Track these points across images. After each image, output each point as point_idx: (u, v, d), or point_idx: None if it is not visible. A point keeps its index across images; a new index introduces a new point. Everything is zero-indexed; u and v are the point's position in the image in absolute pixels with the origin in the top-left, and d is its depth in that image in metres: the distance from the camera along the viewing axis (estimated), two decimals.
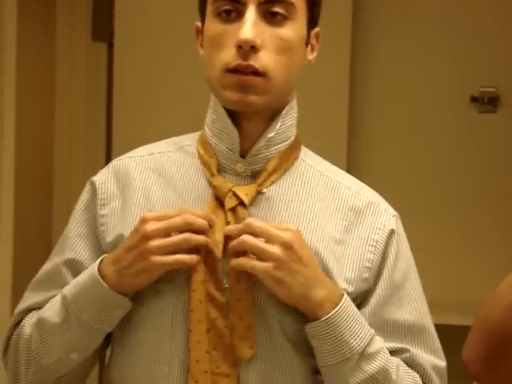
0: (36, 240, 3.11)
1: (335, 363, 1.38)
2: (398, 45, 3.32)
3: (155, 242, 1.36)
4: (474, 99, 3.27)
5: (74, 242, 1.51)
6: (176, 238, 1.37)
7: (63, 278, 1.49)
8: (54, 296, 1.47)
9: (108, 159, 3.21)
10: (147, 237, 1.36)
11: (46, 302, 1.49)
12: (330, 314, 1.36)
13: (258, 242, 1.35)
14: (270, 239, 1.35)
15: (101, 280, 1.39)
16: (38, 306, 1.50)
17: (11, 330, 1.53)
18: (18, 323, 1.53)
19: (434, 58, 3.29)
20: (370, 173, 3.19)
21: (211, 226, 1.38)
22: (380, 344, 1.42)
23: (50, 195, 3.38)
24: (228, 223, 1.41)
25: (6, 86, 2.66)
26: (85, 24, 3.38)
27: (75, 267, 1.49)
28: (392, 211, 1.52)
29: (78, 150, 3.36)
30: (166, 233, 1.37)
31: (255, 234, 1.36)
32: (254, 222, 1.37)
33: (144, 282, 1.40)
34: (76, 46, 3.38)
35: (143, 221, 1.38)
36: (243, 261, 1.36)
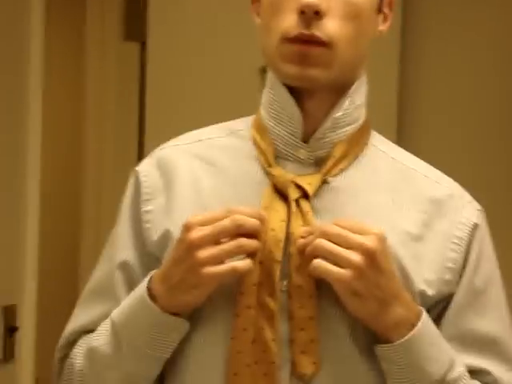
0: (62, 247, 3.04)
1: None
2: (450, 36, 3.21)
3: (204, 253, 1.18)
4: None
5: (123, 242, 1.34)
6: (227, 245, 1.19)
7: (117, 286, 1.33)
8: (110, 311, 1.31)
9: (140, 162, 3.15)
10: (194, 246, 1.19)
11: (100, 318, 1.33)
12: (405, 338, 1.20)
13: (337, 247, 1.18)
14: (350, 245, 1.18)
15: (150, 302, 1.23)
16: (91, 325, 1.34)
17: (62, 351, 1.38)
18: (70, 344, 1.37)
19: (487, 53, 3.19)
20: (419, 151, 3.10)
21: (263, 223, 1.21)
22: (461, 368, 1.25)
23: (79, 197, 3.32)
24: (289, 217, 1.24)
25: (32, 86, 2.58)
26: (116, 23, 3.29)
27: (128, 272, 1.33)
28: (476, 205, 1.35)
29: (109, 153, 3.29)
30: (215, 239, 1.19)
31: (333, 241, 1.19)
32: (331, 228, 1.20)
33: (198, 298, 1.23)
34: (107, 45, 3.31)
35: (187, 228, 1.20)
36: (318, 263, 1.18)
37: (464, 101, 3.23)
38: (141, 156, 3.25)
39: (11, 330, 2.46)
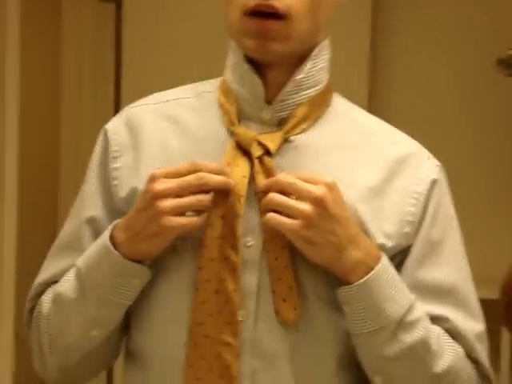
0: (41, 203, 3.06)
1: (369, 332, 1.26)
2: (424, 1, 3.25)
3: (166, 203, 1.23)
4: (500, 62, 3.15)
5: (91, 199, 1.38)
6: (188, 199, 1.24)
7: (84, 240, 1.37)
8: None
9: None
10: (158, 197, 1.24)
11: (67, 270, 1.37)
12: (363, 279, 1.25)
13: (286, 199, 1.23)
14: (300, 195, 1.23)
15: (113, 249, 1.28)
16: (59, 277, 1.38)
17: (31, 302, 1.42)
18: (37, 295, 1.41)
19: (460, 19, 3.23)
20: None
21: (229, 186, 1.26)
22: (421, 312, 1.29)
23: (58, 159, 3.34)
24: (252, 173, 1.29)
25: (9, 45, 2.59)
26: None
27: (95, 227, 1.37)
28: (435, 161, 1.39)
29: (86, 112, 3.32)
30: (180, 193, 1.24)
31: (285, 191, 1.23)
32: (283, 177, 1.24)
33: (159, 247, 1.28)
34: (83, 6, 3.32)
35: (152, 179, 1.25)
36: (269, 217, 1.23)
37: (433, 69, 3.26)
38: (118, 112, 3.28)
39: None
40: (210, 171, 1.25)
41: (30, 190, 2.97)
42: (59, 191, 3.35)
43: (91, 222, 1.37)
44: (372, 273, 1.25)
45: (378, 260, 1.27)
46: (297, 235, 1.23)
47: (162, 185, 1.24)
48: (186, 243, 1.29)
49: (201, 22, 3.12)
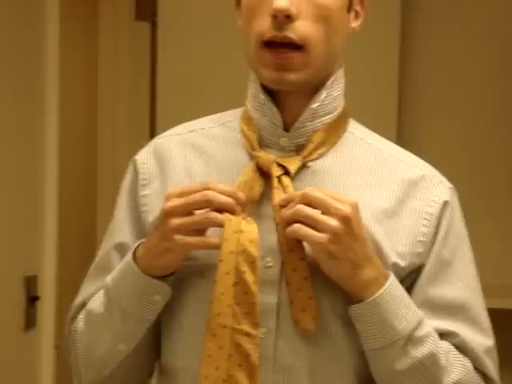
0: (80, 219, 3.10)
1: (380, 347, 1.32)
2: (452, 24, 3.28)
3: (176, 221, 1.30)
4: None
5: (121, 226, 1.46)
6: (196, 216, 1.30)
7: (113, 264, 1.44)
8: None
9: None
10: (167, 214, 1.30)
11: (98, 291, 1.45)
12: (374, 296, 1.30)
13: (316, 212, 1.28)
14: (327, 211, 1.28)
15: (133, 264, 1.35)
16: (92, 298, 1.47)
17: (69, 325, 1.50)
18: (75, 317, 1.49)
19: (487, 46, 3.25)
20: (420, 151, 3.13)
21: (239, 203, 1.31)
22: (429, 328, 1.35)
23: (94, 178, 3.39)
24: (264, 192, 1.34)
25: (48, 65, 2.65)
26: (128, 3, 3.37)
27: (124, 251, 1.44)
28: (448, 183, 1.45)
29: (122, 131, 3.37)
30: (186, 210, 1.30)
31: (312, 205, 1.28)
32: (311, 191, 1.29)
33: (171, 263, 1.34)
34: (119, 25, 3.38)
35: (167, 198, 1.32)
36: (298, 227, 1.28)
37: (462, 100, 3.27)
38: (153, 131, 3.29)
39: (32, 299, 2.56)
40: (219, 191, 1.30)
41: (68, 214, 3.02)
42: (96, 218, 3.39)
43: (120, 246, 1.45)
44: (382, 289, 1.31)
45: (387, 278, 1.32)
46: (322, 248, 1.28)
47: (172, 203, 1.30)
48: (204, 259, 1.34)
49: (236, 43, 3.16)
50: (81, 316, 1.46)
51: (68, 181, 3.01)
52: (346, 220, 1.27)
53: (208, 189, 1.30)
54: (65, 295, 2.81)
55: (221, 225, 1.30)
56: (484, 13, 3.27)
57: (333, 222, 1.27)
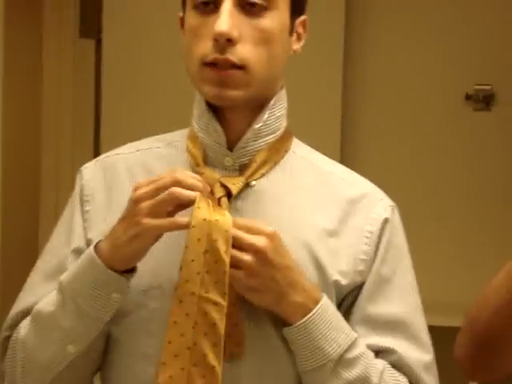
0: (23, 231, 3.07)
1: (311, 369, 1.34)
2: (392, 40, 3.31)
3: (143, 205, 1.29)
4: (468, 97, 3.26)
5: (77, 231, 1.44)
6: (161, 195, 1.29)
7: (67, 265, 1.42)
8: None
9: (96, 157, 3.18)
10: (136, 201, 1.30)
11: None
12: (301, 320, 1.33)
13: (232, 250, 1.30)
14: (242, 246, 1.30)
15: (96, 258, 1.32)
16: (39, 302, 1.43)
17: (6, 333, 1.46)
18: (15, 325, 1.45)
19: (428, 55, 3.29)
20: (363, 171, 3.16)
21: (203, 190, 1.32)
22: (361, 349, 1.37)
23: (38, 193, 3.36)
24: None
25: None
26: (72, 20, 3.37)
27: (80, 256, 1.41)
28: (389, 201, 1.47)
29: (66, 148, 3.35)
30: (156, 194, 1.30)
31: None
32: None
33: (139, 251, 1.32)
34: (63, 43, 3.37)
35: (135, 188, 1.32)
36: None
37: (405, 118, 3.31)
38: (97, 148, 3.28)
39: None
40: (187, 174, 1.31)
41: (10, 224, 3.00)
42: (38, 228, 3.37)
43: (77, 252, 1.42)
44: (309, 315, 1.33)
45: (317, 302, 1.34)
46: (241, 284, 1.30)
47: (141, 190, 1.30)
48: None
49: (181, 61, 3.17)
50: (24, 322, 1.42)
51: (11, 196, 3.00)
52: (259, 253, 1.29)
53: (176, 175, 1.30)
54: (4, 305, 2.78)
55: (187, 200, 1.29)
56: (430, 37, 3.32)
57: (246, 257, 1.29)
